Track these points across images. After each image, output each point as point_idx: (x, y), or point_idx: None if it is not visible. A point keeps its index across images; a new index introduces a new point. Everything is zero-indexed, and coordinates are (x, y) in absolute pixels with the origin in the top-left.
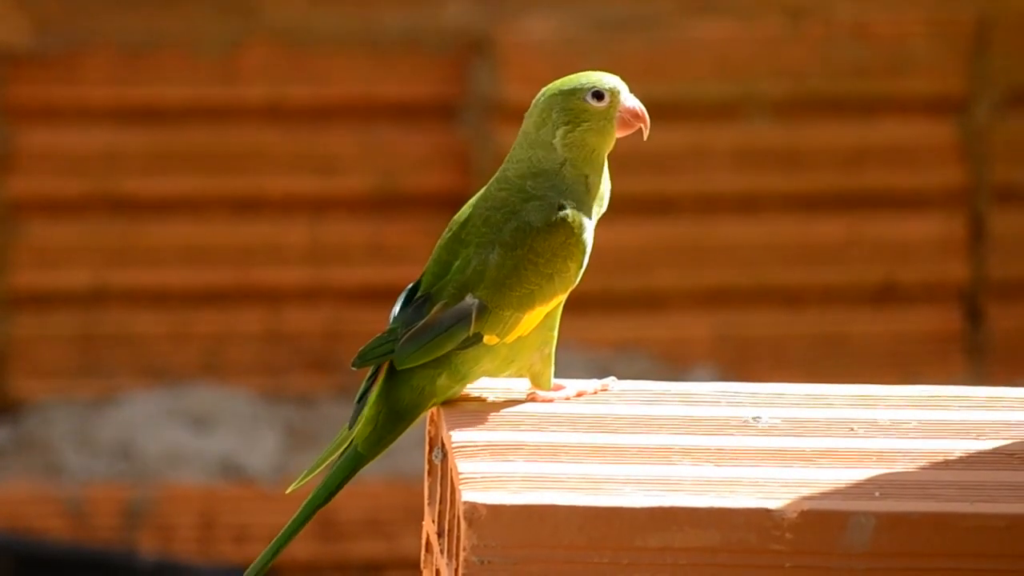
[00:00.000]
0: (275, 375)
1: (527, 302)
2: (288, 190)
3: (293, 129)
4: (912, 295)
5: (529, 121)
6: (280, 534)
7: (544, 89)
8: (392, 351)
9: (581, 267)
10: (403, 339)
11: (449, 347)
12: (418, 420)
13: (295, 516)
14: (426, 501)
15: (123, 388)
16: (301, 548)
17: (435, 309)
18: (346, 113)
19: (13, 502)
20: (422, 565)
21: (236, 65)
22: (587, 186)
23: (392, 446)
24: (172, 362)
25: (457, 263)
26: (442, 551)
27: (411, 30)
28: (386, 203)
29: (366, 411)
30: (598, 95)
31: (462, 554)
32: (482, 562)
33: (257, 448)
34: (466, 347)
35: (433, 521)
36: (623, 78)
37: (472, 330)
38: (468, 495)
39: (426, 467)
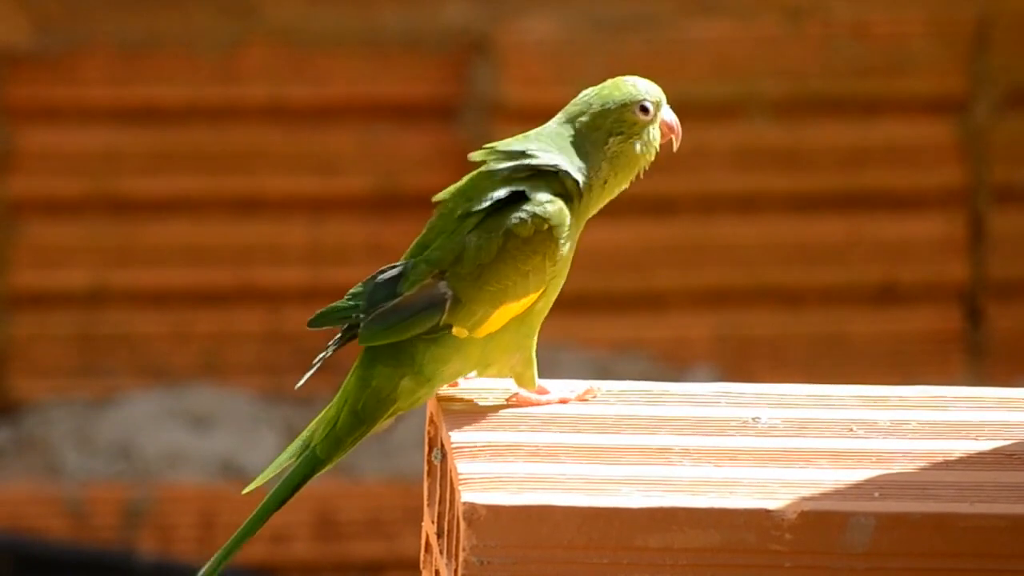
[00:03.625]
0: (275, 375)
1: (499, 298)
2: (288, 190)
3: (293, 129)
4: (912, 295)
5: (578, 122)
6: (232, 538)
7: (593, 95)
8: (350, 316)
9: (556, 266)
10: (372, 316)
11: (416, 331)
12: (380, 427)
13: (248, 520)
14: (425, 502)
15: (123, 388)
16: (301, 548)
17: (409, 291)
18: (346, 113)
19: (13, 502)
20: (422, 565)
21: (236, 65)
22: (600, 194)
23: (351, 451)
24: (172, 362)
25: (439, 236)
26: (441, 551)
27: (411, 30)
28: (386, 203)
29: (324, 412)
30: (645, 109)
31: (461, 555)
32: (481, 563)
33: (257, 448)
34: (433, 334)
35: (433, 522)
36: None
37: (444, 321)
38: (467, 496)
39: (425, 468)
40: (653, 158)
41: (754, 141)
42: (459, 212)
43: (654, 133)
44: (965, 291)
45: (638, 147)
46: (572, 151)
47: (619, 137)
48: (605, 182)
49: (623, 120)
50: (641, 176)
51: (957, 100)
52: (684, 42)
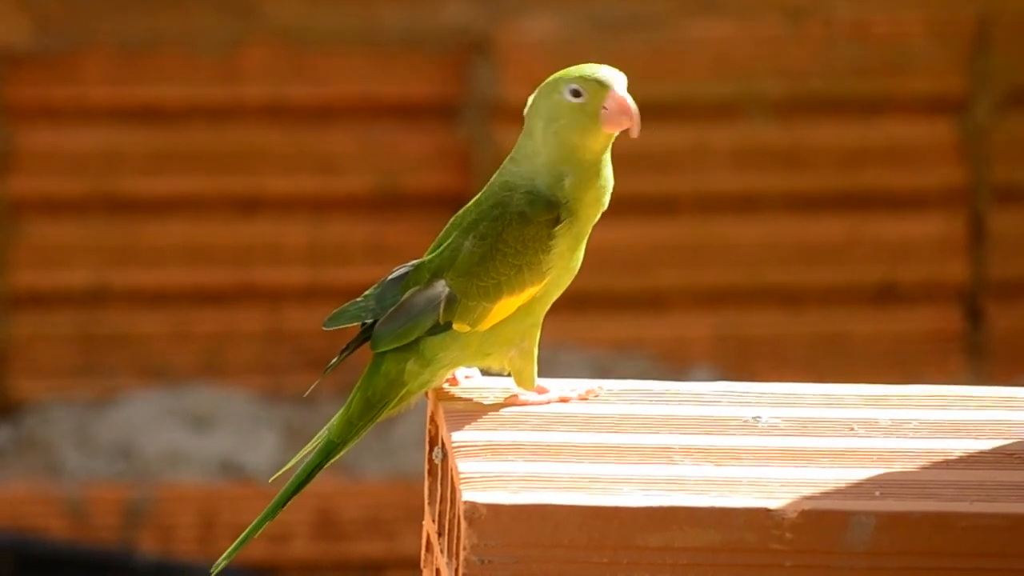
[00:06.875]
0: (275, 375)
1: (494, 293)
2: (288, 190)
3: (293, 129)
4: (912, 295)
5: (526, 111)
6: (255, 521)
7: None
8: (360, 316)
9: (553, 259)
10: (380, 322)
11: (417, 333)
12: (392, 410)
13: (271, 503)
14: (426, 501)
15: (123, 388)
16: (301, 548)
17: (408, 293)
18: (346, 113)
19: (13, 502)
20: (422, 565)
21: (236, 65)
22: (566, 183)
23: (364, 434)
24: (172, 362)
25: (443, 246)
26: (442, 551)
27: (411, 30)
28: (386, 203)
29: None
30: (575, 92)
31: (462, 554)
32: (482, 562)
33: (257, 448)
34: (435, 334)
35: (433, 521)
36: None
37: (442, 319)
38: (468, 495)
39: (426, 467)
40: (603, 143)
41: (754, 141)
42: (465, 223)
43: (592, 116)
44: (965, 291)
45: (573, 132)
46: (536, 152)
47: (554, 123)
48: (564, 176)
49: (553, 104)
50: (601, 156)
51: (957, 100)
52: (684, 42)
